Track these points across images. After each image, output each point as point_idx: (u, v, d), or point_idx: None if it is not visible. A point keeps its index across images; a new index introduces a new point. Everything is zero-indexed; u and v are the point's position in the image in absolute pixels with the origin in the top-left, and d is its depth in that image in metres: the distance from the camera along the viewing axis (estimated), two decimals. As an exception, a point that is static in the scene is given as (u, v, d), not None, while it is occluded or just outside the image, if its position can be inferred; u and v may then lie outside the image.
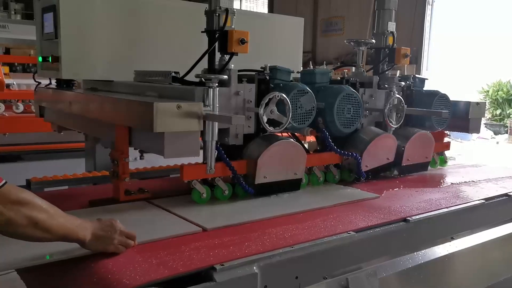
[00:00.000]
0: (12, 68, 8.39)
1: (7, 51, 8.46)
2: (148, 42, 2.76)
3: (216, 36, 2.14)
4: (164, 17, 2.81)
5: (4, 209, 1.34)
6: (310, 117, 2.39)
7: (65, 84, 2.73)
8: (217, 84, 2.02)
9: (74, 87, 2.77)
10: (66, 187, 3.11)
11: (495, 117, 13.26)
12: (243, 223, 1.94)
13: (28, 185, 2.92)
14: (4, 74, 6.19)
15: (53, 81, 2.81)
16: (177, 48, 2.80)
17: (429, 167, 3.07)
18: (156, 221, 1.95)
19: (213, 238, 1.74)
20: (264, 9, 17.19)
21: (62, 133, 2.89)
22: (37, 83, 2.99)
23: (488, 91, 13.39)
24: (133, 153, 2.33)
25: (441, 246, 2.20)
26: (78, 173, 3.20)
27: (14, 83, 5.87)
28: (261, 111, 2.15)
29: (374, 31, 3.09)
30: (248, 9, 16.15)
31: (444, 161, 3.25)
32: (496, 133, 12.67)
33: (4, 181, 1.37)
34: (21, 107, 4.75)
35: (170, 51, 2.80)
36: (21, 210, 1.37)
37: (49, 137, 4.30)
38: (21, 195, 1.40)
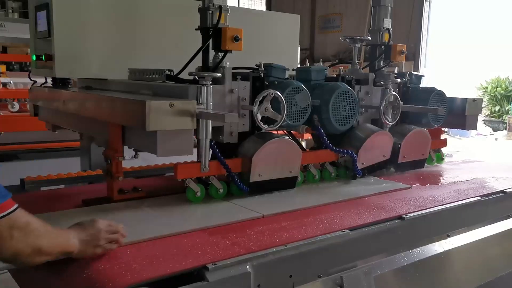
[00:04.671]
0: (9, 67, 8.38)
1: (4, 50, 8.44)
2: (142, 40, 2.75)
3: (210, 33, 2.13)
4: (159, 15, 2.79)
5: (12, 242, 1.28)
6: (305, 115, 2.38)
7: (60, 83, 2.71)
8: (210, 82, 2.01)
9: (70, 86, 2.76)
10: (63, 186, 3.10)
11: (494, 114, 13.26)
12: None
13: (22, 185, 2.91)
14: (1, 73, 6.18)
15: (49, 80, 2.79)
16: (172, 46, 2.78)
17: (425, 164, 3.06)
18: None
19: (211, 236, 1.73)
20: (262, 7, 17.15)
21: (56, 132, 2.88)
22: (32, 81, 2.98)
23: (486, 88, 13.38)
24: (128, 151, 2.31)
25: (437, 243, 2.20)
26: (73, 172, 3.19)
27: (11, 81, 5.85)
28: (255, 109, 2.13)
29: (371, 28, 3.07)
30: (246, 7, 16.12)
31: (440, 158, 3.24)
32: (494, 130, 12.66)
33: (15, 206, 1.30)
34: (16, 106, 4.74)
35: (164, 49, 2.78)
36: (26, 240, 1.31)
37: (45, 136, 4.29)
38: (24, 220, 1.32)
